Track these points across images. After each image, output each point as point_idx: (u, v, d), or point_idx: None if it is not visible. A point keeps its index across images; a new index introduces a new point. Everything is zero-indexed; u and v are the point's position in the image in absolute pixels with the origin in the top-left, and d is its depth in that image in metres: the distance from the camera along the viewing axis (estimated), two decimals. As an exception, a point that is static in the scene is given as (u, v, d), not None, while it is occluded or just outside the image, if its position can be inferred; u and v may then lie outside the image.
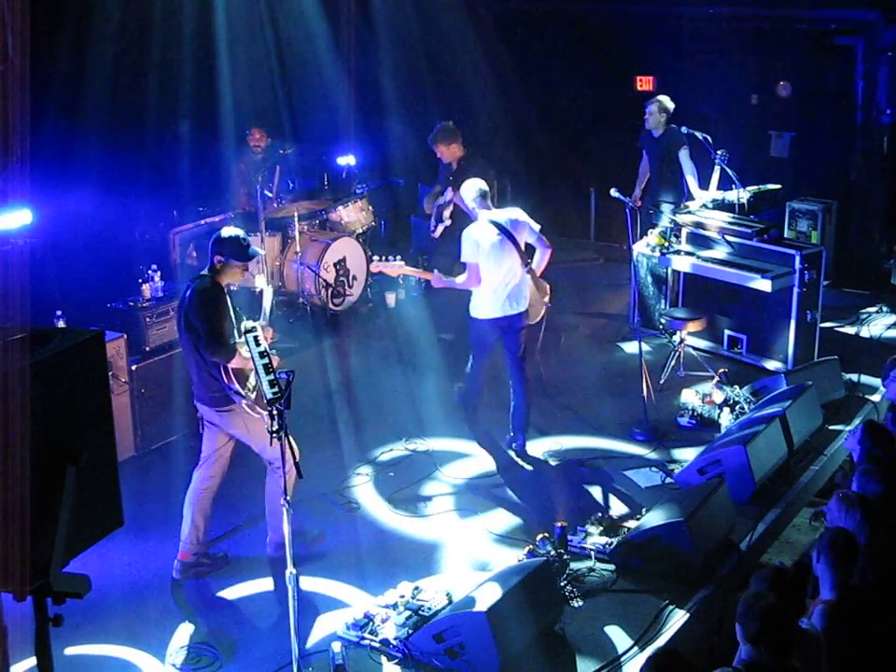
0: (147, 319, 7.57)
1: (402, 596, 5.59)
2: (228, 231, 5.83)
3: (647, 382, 7.71)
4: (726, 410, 7.68)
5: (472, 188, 7.08)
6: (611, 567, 5.98)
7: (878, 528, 4.94)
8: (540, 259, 7.19)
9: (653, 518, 6.04)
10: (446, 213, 8.21)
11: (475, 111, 11.47)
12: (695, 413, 7.82)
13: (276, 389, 4.81)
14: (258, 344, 4.96)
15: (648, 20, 11.57)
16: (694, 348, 8.76)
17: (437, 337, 8.05)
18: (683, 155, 9.49)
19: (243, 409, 5.72)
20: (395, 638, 5.28)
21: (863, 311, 9.92)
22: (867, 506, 4.95)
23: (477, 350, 7.29)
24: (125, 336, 7.33)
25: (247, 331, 5.08)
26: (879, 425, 6.13)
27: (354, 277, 9.32)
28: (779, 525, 6.52)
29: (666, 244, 9.21)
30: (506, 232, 6.96)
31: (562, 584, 5.74)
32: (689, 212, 9.35)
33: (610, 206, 10.27)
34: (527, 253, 7.17)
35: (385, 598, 5.60)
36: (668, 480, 6.98)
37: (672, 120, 9.53)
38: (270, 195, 9.38)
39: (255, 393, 5.67)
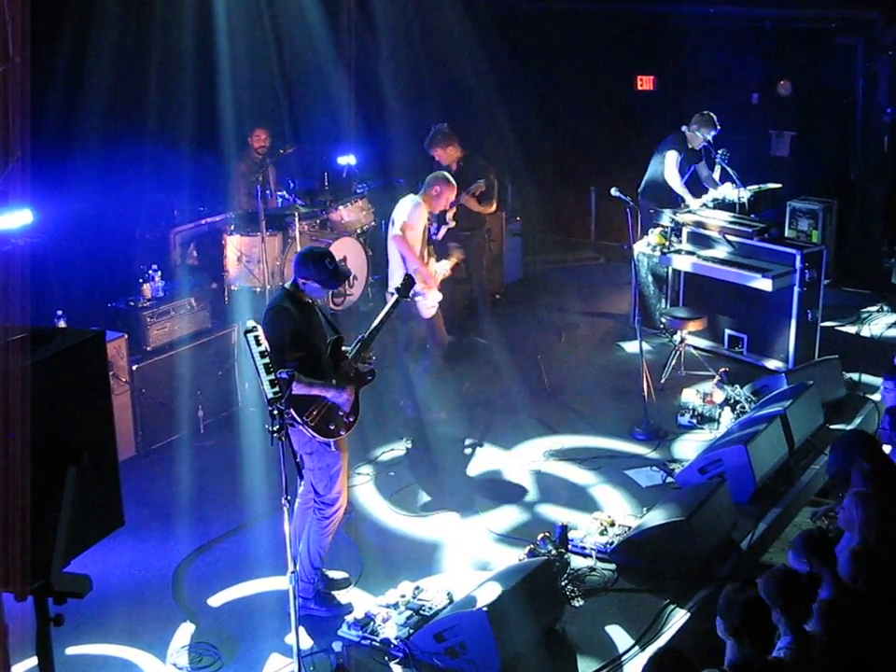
0: (148, 319, 7.58)
1: (403, 596, 5.59)
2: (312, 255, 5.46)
3: (647, 381, 7.71)
4: (727, 409, 7.68)
5: None
6: (612, 566, 5.98)
7: (889, 528, 4.94)
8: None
9: (654, 517, 6.04)
10: (449, 214, 8.18)
11: (475, 111, 11.45)
12: (696, 413, 7.81)
13: (277, 389, 4.80)
14: (258, 344, 4.94)
15: (648, 19, 11.57)
16: (695, 347, 8.76)
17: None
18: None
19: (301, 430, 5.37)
20: (396, 638, 5.28)
21: (864, 310, 9.93)
22: (881, 504, 4.95)
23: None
24: (126, 336, 7.34)
25: (247, 331, 5.05)
26: (862, 435, 5.97)
27: (354, 277, 9.30)
28: (780, 525, 6.51)
29: (667, 243, 9.21)
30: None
31: (563, 584, 5.75)
32: (689, 211, 9.35)
33: (611, 206, 10.27)
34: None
35: (385, 598, 5.61)
36: (669, 479, 6.98)
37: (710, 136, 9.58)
38: (283, 194, 9.41)
39: (314, 421, 5.31)
